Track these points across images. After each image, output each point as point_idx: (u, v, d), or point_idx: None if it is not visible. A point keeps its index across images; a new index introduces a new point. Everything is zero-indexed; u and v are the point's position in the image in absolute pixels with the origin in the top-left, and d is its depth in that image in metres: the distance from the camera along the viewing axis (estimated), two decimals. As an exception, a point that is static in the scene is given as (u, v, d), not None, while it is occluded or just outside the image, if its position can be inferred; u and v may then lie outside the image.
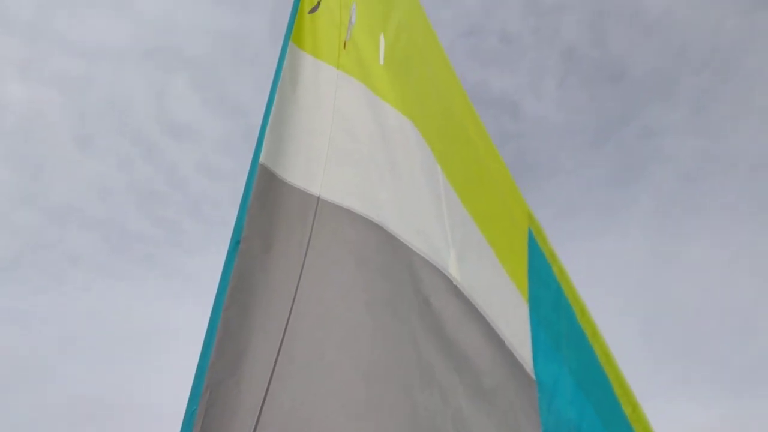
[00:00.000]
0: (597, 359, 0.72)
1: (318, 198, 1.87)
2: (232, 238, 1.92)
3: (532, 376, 0.85)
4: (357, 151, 1.91)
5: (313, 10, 2.35)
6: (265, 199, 1.93)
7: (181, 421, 1.68)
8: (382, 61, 2.14)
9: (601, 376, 0.69)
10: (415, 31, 2.39)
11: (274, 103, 2.09)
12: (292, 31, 2.24)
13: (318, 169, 1.95)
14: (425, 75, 2.17)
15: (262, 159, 1.98)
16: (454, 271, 1.21)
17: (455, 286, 1.17)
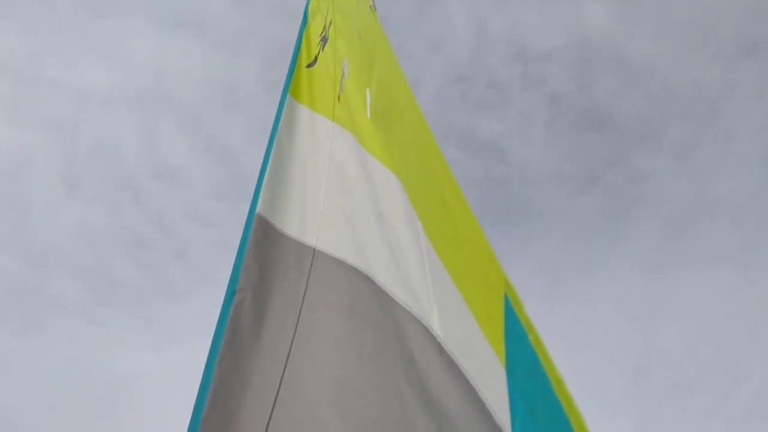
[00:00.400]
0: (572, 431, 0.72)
1: (314, 249, 1.88)
2: (227, 288, 1.92)
3: None
4: (349, 203, 1.94)
5: (311, 64, 2.41)
6: (262, 250, 1.94)
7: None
8: (369, 115, 2.19)
9: None
10: (394, 88, 2.46)
11: (272, 154, 2.12)
12: (290, 84, 2.29)
13: (314, 220, 1.96)
14: (404, 132, 2.22)
15: (258, 209, 1.99)
16: (436, 327, 1.22)
17: (438, 343, 1.17)
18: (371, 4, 3.09)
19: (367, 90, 2.31)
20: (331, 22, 2.67)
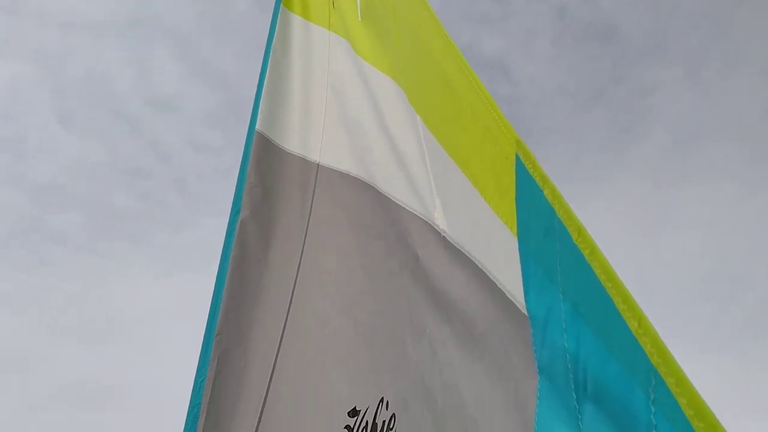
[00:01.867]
0: (596, 277, 0.64)
1: (318, 165, 1.85)
2: (232, 208, 1.91)
3: (524, 312, 0.81)
4: (348, 113, 1.88)
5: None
6: (264, 168, 1.91)
7: (188, 395, 1.69)
8: (360, 18, 2.08)
9: (601, 294, 0.60)
10: None
11: (268, 68, 2.04)
12: (283, -6, 2.18)
13: (316, 134, 1.92)
14: (399, 19, 2.09)
15: (258, 126, 1.94)
16: (440, 221, 1.19)
17: (443, 237, 1.15)
18: None
19: None
20: None
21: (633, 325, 0.55)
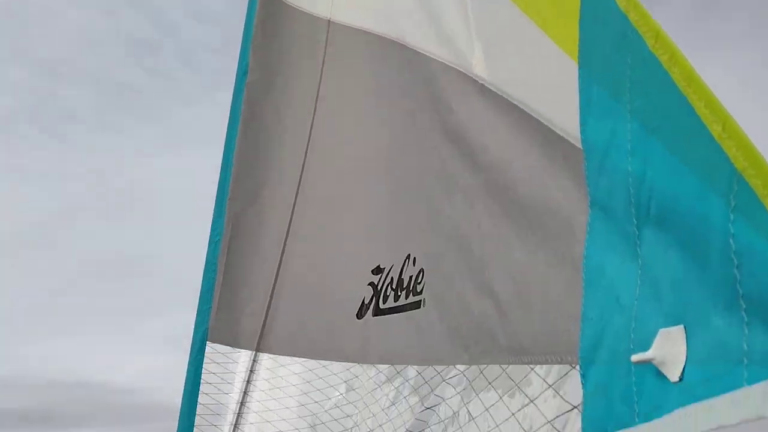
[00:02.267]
0: (674, 85, 0.55)
1: (329, 21, 1.73)
2: (238, 68, 1.82)
3: (578, 145, 0.74)
4: None
5: None
6: (271, 26, 1.80)
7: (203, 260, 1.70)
8: None
9: (679, 101, 0.52)
10: None
11: None
12: None
13: None
14: None
15: None
16: (479, 69, 1.09)
17: (481, 85, 1.06)
18: None
19: None
20: None
21: (716, 129, 0.48)
